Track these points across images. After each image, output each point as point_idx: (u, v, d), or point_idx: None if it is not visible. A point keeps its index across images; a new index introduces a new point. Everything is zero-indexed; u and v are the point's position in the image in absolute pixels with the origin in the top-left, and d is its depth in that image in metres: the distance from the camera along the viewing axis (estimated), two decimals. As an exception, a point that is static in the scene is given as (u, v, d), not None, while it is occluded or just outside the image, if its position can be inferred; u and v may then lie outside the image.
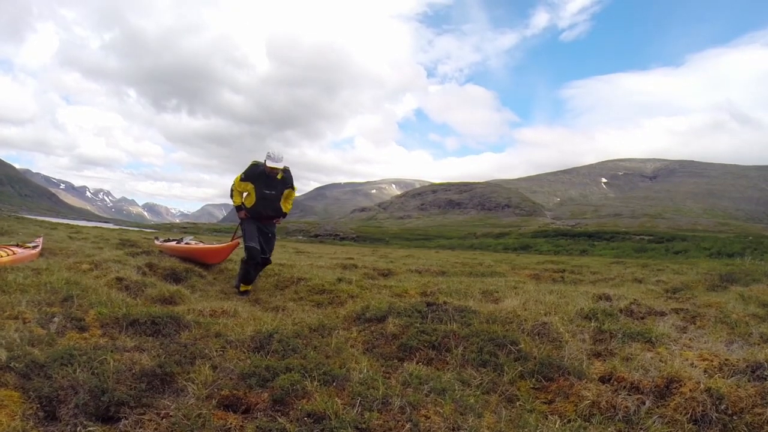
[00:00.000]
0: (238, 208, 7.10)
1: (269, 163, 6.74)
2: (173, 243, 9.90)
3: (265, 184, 6.99)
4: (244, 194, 7.13)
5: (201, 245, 8.82)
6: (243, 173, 7.00)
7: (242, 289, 6.93)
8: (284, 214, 7.44)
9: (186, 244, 9.37)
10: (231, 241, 8.26)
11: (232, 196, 7.21)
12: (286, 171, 7.20)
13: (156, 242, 11.28)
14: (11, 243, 8.45)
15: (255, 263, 6.87)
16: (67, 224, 34.84)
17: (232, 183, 7.14)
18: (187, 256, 8.46)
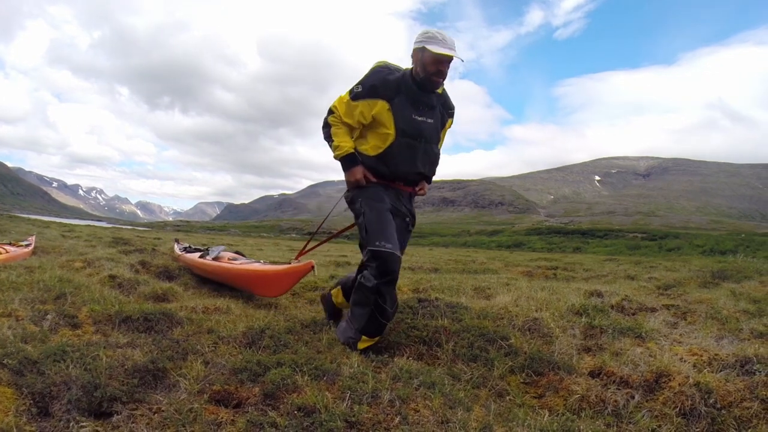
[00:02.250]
0: (349, 159, 3.63)
1: (436, 48, 3.37)
2: (196, 255, 6.96)
3: (413, 104, 3.60)
4: (357, 132, 3.74)
5: (243, 264, 5.72)
6: (358, 84, 3.59)
7: (361, 346, 3.46)
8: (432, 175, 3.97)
9: (215, 258, 6.37)
10: (298, 259, 4.79)
11: (329, 137, 3.71)
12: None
13: (175, 248, 8.58)
14: (4, 242, 8.46)
15: (391, 279, 3.42)
16: (60, 223, 34.78)
17: (329, 112, 3.70)
18: (222, 281, 5.96)
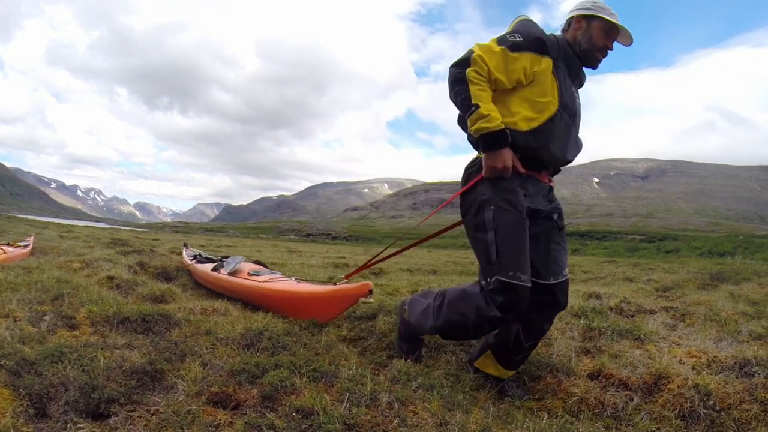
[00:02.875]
0: (501, 137, 2.58)
1: (612, 18, 2.79)
2: (209, 267, 6.06)
3: (570, 76, 2.86)
4: (494, 94, 2.69)
5: (271, 283, 4.73)
6: (514, 33, 2.70)
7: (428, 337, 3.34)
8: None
9: (232, 273, 5.37)
10: (348, 278, 4.02)
11: (466, 99, 2.57)
12: None
13: (184, 254, 7.76)
14: (2, 242, 8.45)
15: (515, 315, 2.73)
16: (59, 223, 34.75)
17: (468, 63, 2.59)
18: (243, 299, 4.92)
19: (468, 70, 2.57)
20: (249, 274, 5.20)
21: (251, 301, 4.77)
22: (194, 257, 7.12)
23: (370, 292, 3.67)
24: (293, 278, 4.98)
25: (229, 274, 5.37)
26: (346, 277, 4.00)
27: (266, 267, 5.92)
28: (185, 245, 9.23)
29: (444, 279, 8.45)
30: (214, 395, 2.46)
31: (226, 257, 6.52)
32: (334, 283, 3.96)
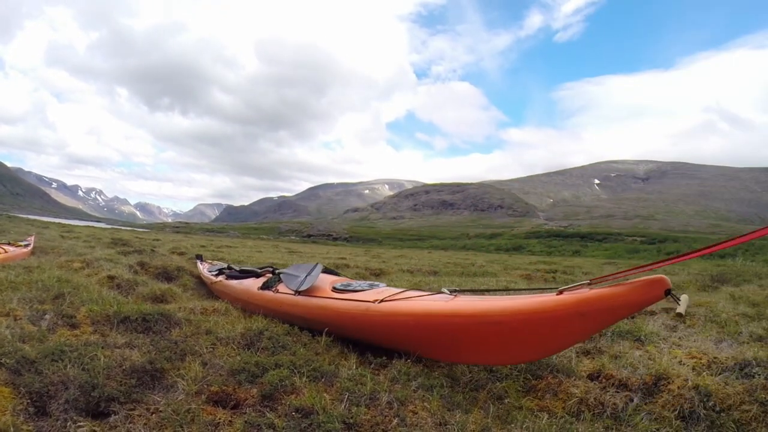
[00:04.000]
0: None
1: None
2: (255, 284, 4.55)
3: None
4: None
5: (424, 300, 3.04)
6: None
7: None
8: None
9: (303, 291, 3.81)
10: (592, 283, 2.43)
11: None
12: None
13: (201, 269, 6.72)
14: (3, 241, 8.47)
15: None
16: (59, 223, 34.79)
17: None
18: (361, 335, 3.42)
19: None
20: (336, 290, 3.70)
21: (370, 340, 3.37)
22: (219, 271, 5.67)
23: (667, 293, 2.28)
24: (445, 289, 3.20)
25: (298, 293, 3.85)
26: (594, 281, 2.47)
27: (337, 274, 4.42)
28: (199, 258, 7.76)
29: (444, 280, 8.43)
30: (214, 394, 2.46)
31: (270, 266, 5.15)
32: (560, 291, 2.49)
